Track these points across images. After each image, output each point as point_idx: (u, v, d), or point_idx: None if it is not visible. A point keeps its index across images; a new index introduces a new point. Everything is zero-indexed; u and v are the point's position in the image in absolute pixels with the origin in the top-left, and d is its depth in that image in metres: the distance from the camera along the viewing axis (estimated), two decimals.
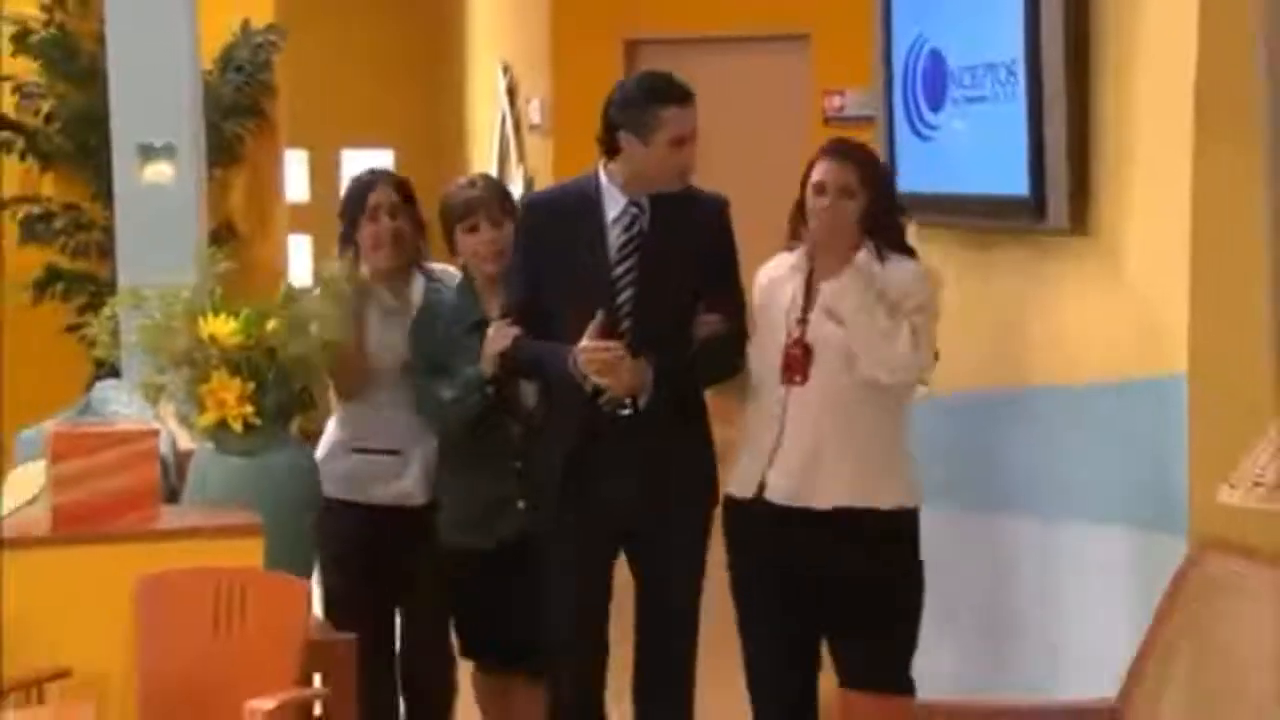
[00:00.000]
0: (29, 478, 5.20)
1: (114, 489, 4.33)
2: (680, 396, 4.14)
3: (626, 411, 4.07)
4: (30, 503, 4.95)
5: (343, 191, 4.77)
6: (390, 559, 4.56)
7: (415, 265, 4.63)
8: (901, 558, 4.02)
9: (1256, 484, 3.00)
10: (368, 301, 4.57)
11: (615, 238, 4.11)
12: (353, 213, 4.58)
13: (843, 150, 4.02)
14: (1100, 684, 3.57)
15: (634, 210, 4.12)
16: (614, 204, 4.12)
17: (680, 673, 4.29)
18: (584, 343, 3.98)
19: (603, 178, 4.16)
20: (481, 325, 4.27)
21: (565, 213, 4.21)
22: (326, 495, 4.52)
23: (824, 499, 3.95)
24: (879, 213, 3.97)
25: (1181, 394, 3.63)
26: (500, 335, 4.15)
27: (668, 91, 4.07)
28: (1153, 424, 3.71)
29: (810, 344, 3.94)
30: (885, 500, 3.95)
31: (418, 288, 4.60)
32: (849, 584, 3.94)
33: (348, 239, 4.64)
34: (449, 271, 4.61)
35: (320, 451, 4.64)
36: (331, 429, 4.69)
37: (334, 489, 4.55)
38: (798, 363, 3.94)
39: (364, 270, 4.55)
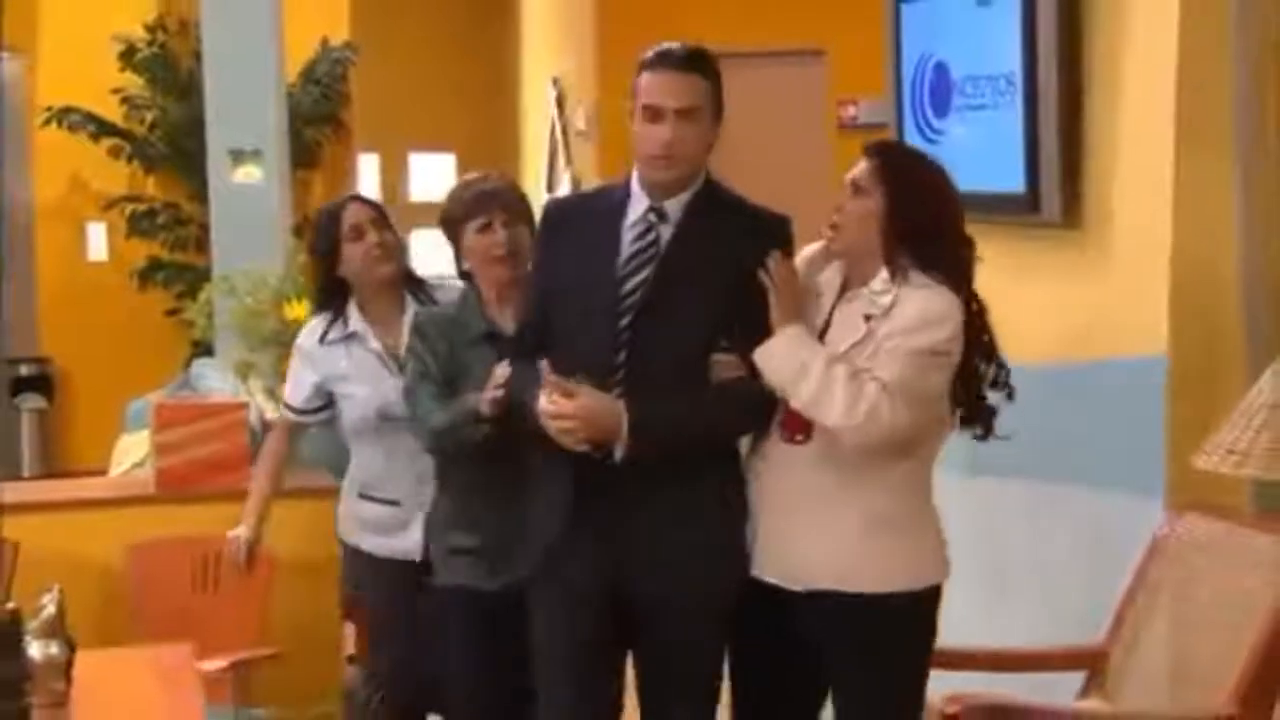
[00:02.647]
0: (137, 444, 5.25)
1: (209, 455, 4.39)
2: (680, 451, 3.01)
3: (614, 459, 2.97)
4: (138, 465, 5.01)
5: (313, 234, 3.89)
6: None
7: (407, 290, 3.78)
8: (874, 647, 3.02)
9: (1229, 452, 2.98)
10: (350, 347, 3.76)
11: (627, 246, 3.04)
12: (327, 241, 3.74)
13: (869, 147, 3.14)
14: (1088, 631, 3.55)
15: (651, 217, 3.04)
16: (636, 208, 3.07)
17: None
18: (540, 404, 2.97)
19: (634, 178, 3.11)
20: (491, 338, 3.34)
21: (584, 217, 3.19)
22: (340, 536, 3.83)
23: (784, 576, 3.03)
24: (903, 219, 2.98)
25: (1161, 372, 3.60)
26: (495, 380, 3.18)
27: (649, 56, 3.08)
28: (1135, 399, 3.68)
29: None
30: (860, 584, 2.96)
31: (409, 319, 3.61)
32: (821, 675, 3.08)
33: (330, 281, 3.76)
34: (446, 287, 3.75)
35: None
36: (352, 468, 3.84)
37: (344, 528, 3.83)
38: (796, 419, 2.97)
39: (354, 308, 3.76)
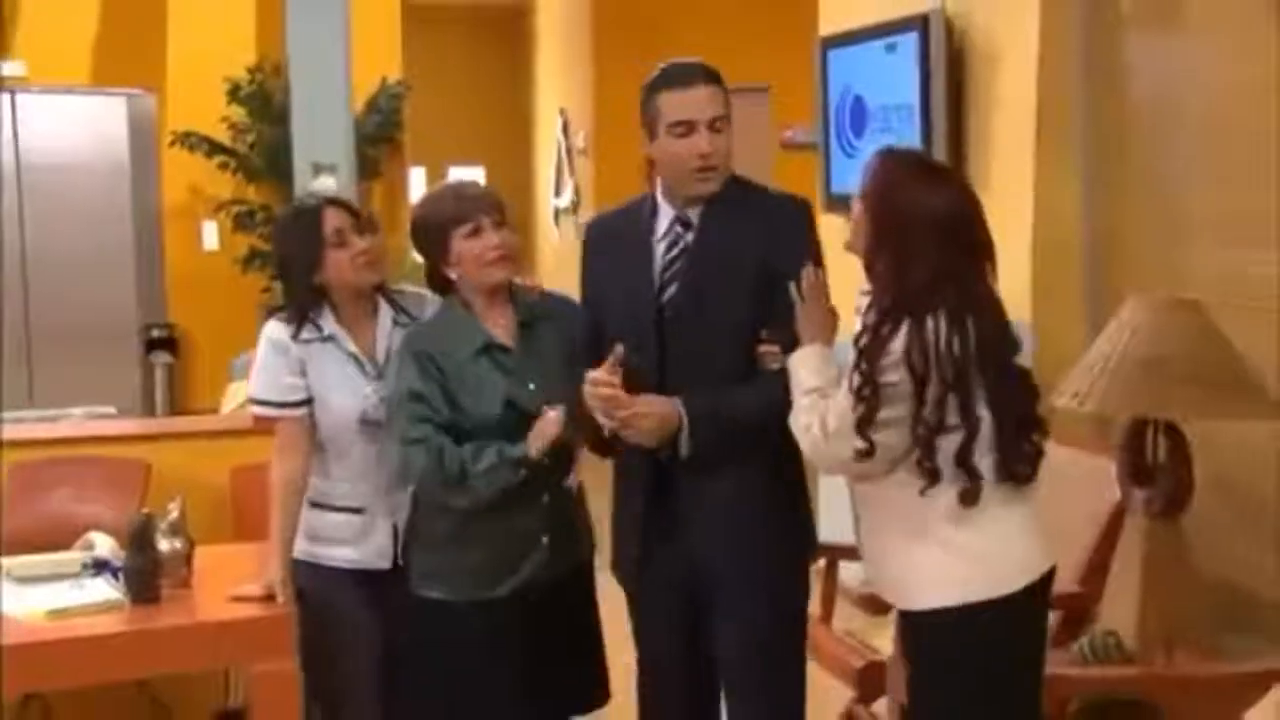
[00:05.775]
0: (240, 390, 5.23)
1: None
2: (739, 440, 2.46)
3: (668, 454, 2.47)
4: (241, 406, 4.98)
5: (275, 238, 2.98)
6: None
7: (380, 293, 2.86)
8: (930, 665, 2.31)
9: (1074, 395, 2.99)
10: (326, 350, 2.81)
11: (660, 258, 2.51)
12: (309, 247, 2.77)
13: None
14: None
15: (678, 227, 2.51)
16: (664, 220, 2.54)
17: None
18: (590, 373, 2.45)
19: (658, 191, 2.56)
20: (489, 349, 2.63)
21: (617, 233, 2.63)
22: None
23: (875, 588, 2.47)
24: (870, 226, 2.24)
25: (1026, 334, 3.61)
26: (548, 426, 2.54)
27: (664, 76, 2.51)
28: None
29: None
30: (907, 600, 2.32)
31: (384, 323, 2.84)
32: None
33: (309, 289, 2.79)
34: (421, 294, 2.88)
35: None
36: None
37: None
38: None
39: (327, 313, 2.82)
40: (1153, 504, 2.95)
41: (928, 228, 2.19)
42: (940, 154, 3.90)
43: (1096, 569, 3.13)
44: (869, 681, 3.31)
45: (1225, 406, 2.84)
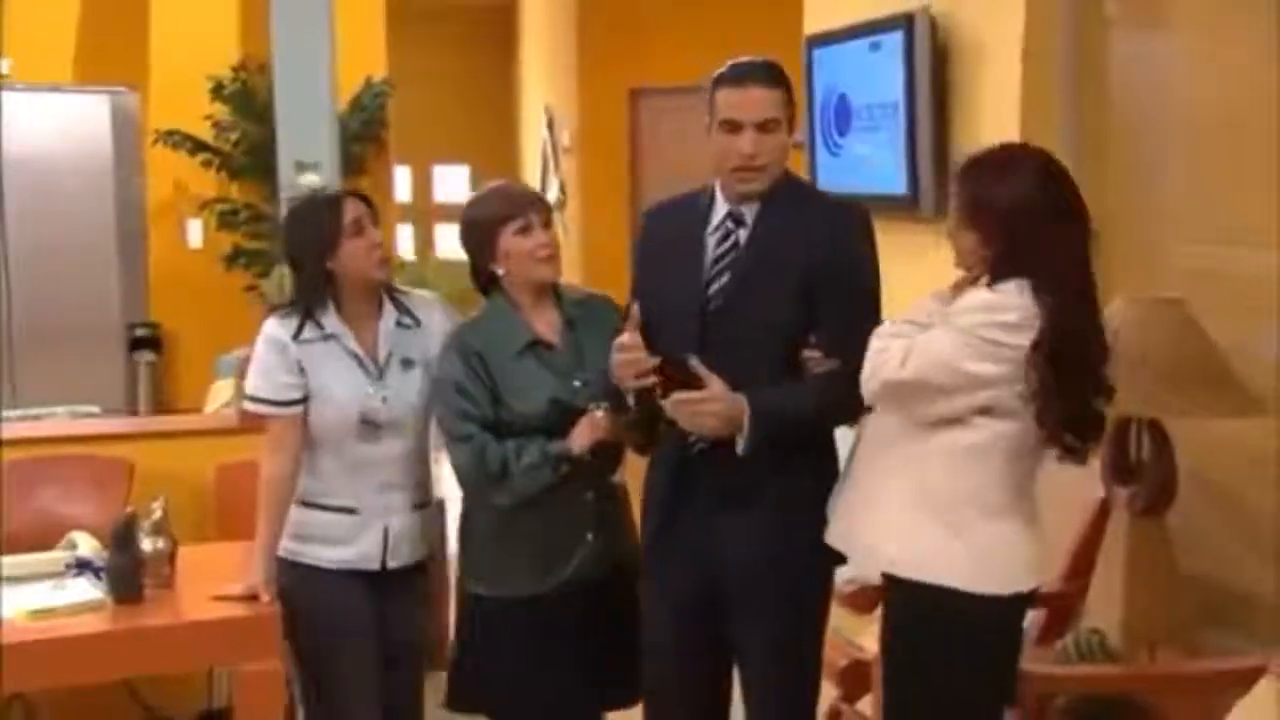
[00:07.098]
0: (224, 389, 5.22)
1: None
2: (788, 442, 2.43)
3: (700, 445, 2.46)
4: (225, 405, 4.98)
5: (291, 222, 2.88)
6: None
7: (385, 292, 2.87)
8: (896, 636, 2.36)
9: None
10: (328, 348, 2.79)
11: (710, 251, 2.50)
12: (325, 233, 2.74)
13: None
14: None
15: (729, 224, 2.50)
16: (718, 214, 2.53)
17: None
18: (621, 338, 2.45)
19: (716, 186, 2.55)
20: (535, 346, 2.65)
21: (672, 223, 2.61)
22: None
23: (839, 540, 2.43)
24: (979, 233, 2.30)
25: None
26: (593, 425, 2.57)
27: (726, 72, 2.50)
28: None
29: None
30: (889, 563, 2.34)
31: (387, 324, 2.84)
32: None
33: (320, 276, 2.77)
34: (427, 299, 2.93)
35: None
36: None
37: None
38: None
39: (330, 308, 2.80)
40: (1136, 501, 2.95)
41: (1029, 218, 2.25)
42: (925, 150, 3.90)
43: (1081, 567, 3.13)
44: (853, 680, 3.31)
45: (1208, 405, 2.84)
